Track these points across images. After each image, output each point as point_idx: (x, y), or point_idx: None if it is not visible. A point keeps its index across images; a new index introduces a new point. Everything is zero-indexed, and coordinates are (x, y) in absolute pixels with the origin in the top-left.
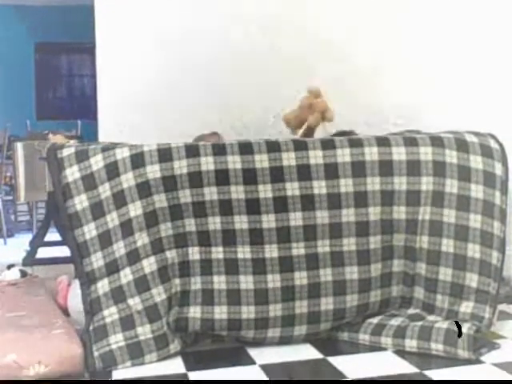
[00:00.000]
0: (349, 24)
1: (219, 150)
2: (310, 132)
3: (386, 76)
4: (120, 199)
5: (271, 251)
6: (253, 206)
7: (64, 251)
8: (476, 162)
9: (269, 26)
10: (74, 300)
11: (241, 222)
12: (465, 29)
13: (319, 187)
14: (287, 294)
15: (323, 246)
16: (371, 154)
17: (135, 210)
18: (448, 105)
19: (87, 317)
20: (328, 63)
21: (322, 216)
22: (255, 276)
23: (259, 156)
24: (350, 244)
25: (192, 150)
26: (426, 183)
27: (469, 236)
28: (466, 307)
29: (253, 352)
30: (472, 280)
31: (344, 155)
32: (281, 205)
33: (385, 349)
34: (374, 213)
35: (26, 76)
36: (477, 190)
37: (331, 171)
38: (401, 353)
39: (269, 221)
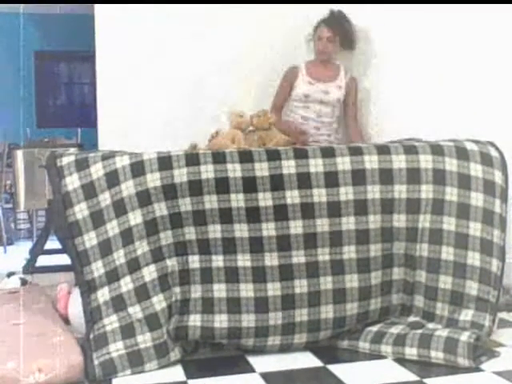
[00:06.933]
0: None
1: (219, 158)
2: None
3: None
4: (120, 208)
5: (271, 259)
6: (253, 215)
7: (64, 259)
8: (476, 170)
9: None
10: (75, 308)
11: (241, 230)
12: (463, 37)
13: (319, 195)
14: (287, 302)
15: (323, 254)
16: (371, 162)
17: (135, 218)
18: (448, 113)
19: (87, 325)
20: None
21: (322, 224)
22: (255, 284)
23: (259, 164)
24: (350, 252)
25: (192, 159)
26: (426, 191)
27: (469, 244)
28: (466, 315)
29: (253, 360)
30: (472, 288)
31: (344, 163)
32: (281, 213)
33: (385, 357)
34: (374, 221)
35: (26, 84)
36: (477, 198)
37: (331, 179)
38: (401, 361)
39: (269, 229)
